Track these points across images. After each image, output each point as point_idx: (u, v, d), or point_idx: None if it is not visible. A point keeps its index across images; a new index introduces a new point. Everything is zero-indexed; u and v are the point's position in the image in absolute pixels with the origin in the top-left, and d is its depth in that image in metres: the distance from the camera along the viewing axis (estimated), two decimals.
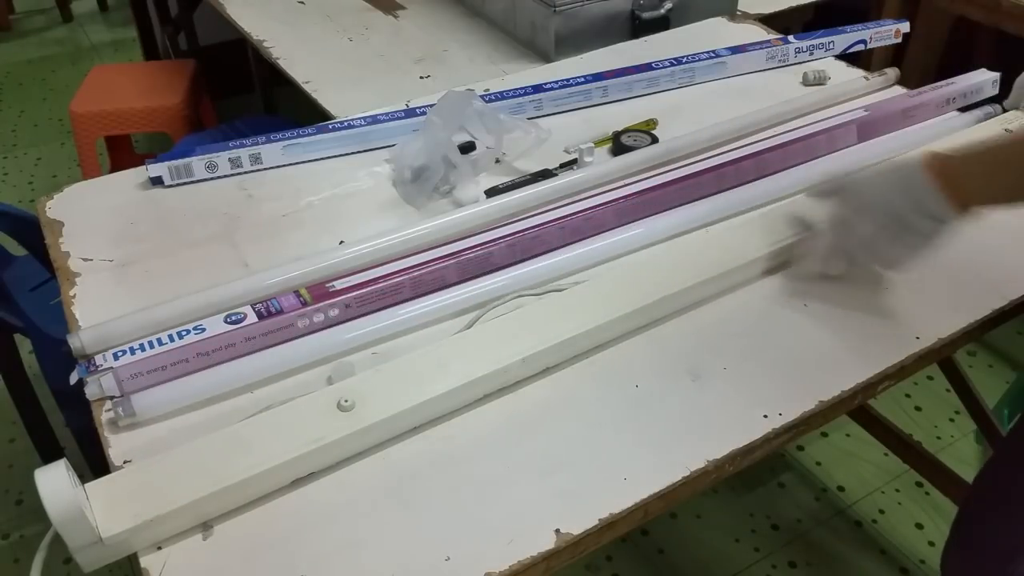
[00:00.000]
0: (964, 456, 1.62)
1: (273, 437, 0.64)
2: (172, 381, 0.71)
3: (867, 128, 1.02)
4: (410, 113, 1.08)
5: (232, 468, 0.61)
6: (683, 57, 1.19)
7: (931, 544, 1.47)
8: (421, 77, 1.28)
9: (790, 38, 1.24)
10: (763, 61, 1.22)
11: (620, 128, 1.07)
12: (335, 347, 0.76)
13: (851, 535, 1.49)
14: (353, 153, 1.05)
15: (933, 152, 0.72)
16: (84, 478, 0.60)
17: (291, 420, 0.65)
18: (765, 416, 0.70)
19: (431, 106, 1.02)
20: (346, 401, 0.65)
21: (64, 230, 0.91)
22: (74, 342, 0.73)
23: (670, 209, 0.91)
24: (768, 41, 1.24)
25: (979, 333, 0.81)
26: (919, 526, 1.50)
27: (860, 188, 0.75)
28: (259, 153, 1.01)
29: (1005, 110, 1.04)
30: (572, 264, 0.85)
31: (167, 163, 0.97)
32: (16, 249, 1.37)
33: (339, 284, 0.79)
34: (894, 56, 1.64)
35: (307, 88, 1.24)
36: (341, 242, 0.88)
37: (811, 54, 1.24)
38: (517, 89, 1.12)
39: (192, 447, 0.63)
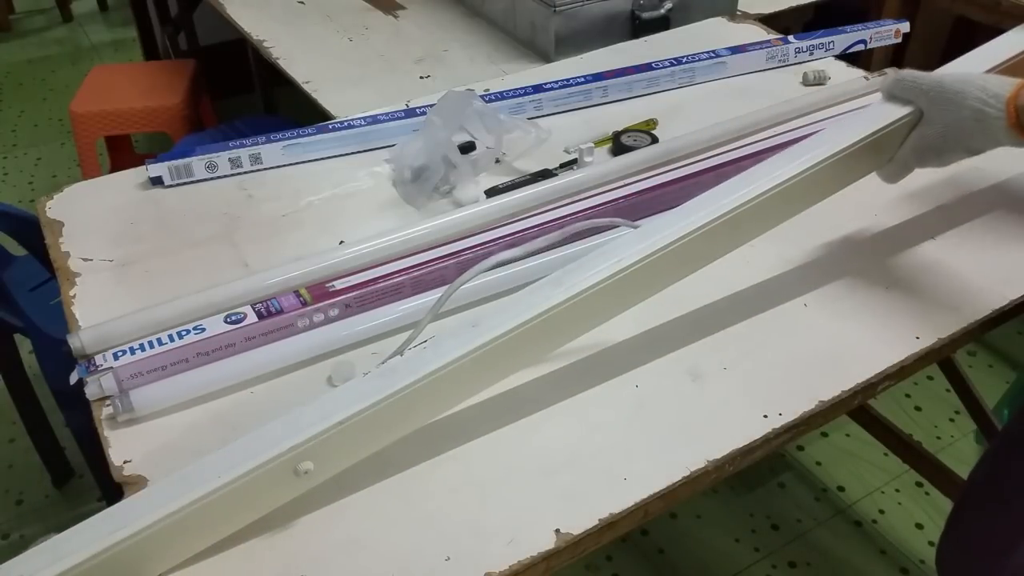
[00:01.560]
0: (964, 456, 1.62)
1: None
2: (170, 377, 0.71)
3: None
4: (410, 113, 1.08)
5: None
6: (683, 57, 1.19)
7: (931, 544, 1.47)
8: (421, 77, 1.28)
9: (790, 38, 1.24)
10: (763, 61, 1.22)
11: (620, 128, 1.07)
12: (335, 343, 0.76)
13: (851, 535, 1.49)
14: (353, 153, 1.05)
15: (1016, 97, 0.70)
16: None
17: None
18: (765, 416, 0.70)
19: (431, 106, 1.02)
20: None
21: (64, 230, 0.91)
22: (74, 342, 0.73)
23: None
24: (768, 41, 1.24)
25: (979, 333, 0.81)
26: (919, 526, 1.50)
27: (944, 133, 0.75)
28: (259, 153, 1.01)
29: None
30: (570, 258, 0.85)
31: (167, 163, 0.97)
32: (16, 249, 1.37)
33: (339, 284, 0.79)
34: (894, 56, 1.64)
35: (307, 88, 1.24)
36: (341, 242, 0.88)
37: (811, 54, 1.24)
38: (517, 89, 1.12)
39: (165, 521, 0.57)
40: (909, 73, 0.77)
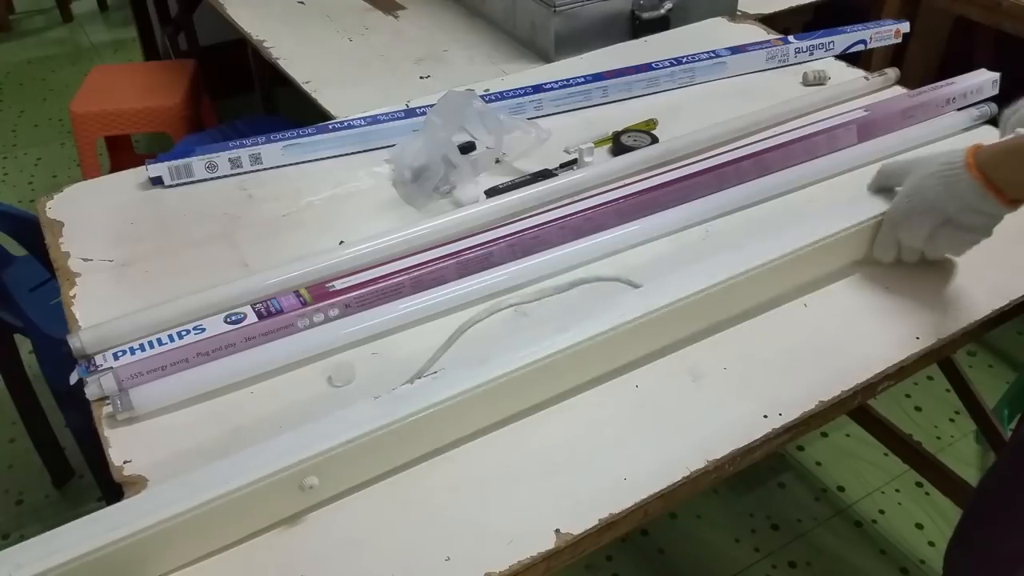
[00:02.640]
0: (964, 456, 1.62)
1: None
2: (170, 376, 0.71)
3: (867, 128, 1.02)
4: (410, 113, 1.08)
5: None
6: (683, 57, 1.19)
7: (931, 544, 1.47)
8: (421, 77, 1.28)
9: (790, 38, 1.24)
10: (763, 61, 1.22)
11: (620, 128, 1.07)
12: (334, 342, 0.76)
13: (851, 535, 1.49)
14: (353, 153, 1.05)
15: (976, 149, 0.73)
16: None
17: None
18: (765, 416, 0.70)
19: (431, 106, 1.02)
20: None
21: (64, 230, 0.91)
22: (74, 342, 0.73)
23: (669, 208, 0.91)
24: (768, 41, 1.24)
25: (979, 333, 0.81)
26: (919, 526, 1.50)
27: (910, 192, 0.78)
28: (259, 153, 1.01)
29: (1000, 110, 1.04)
30: (570, 260, 0.85)
31: (167, 163, 0.97)
32: (16, 249, 1.37)
33: (339, 284, 0.79)
34: (894, 56, 1.64)
35: (307, 88, 1.24)
36: (341, 242, 0.88)
37: (811, 54, 1.24)
38: (517, 89, 1.12)
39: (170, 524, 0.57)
40: (889, 160, 0.83)
